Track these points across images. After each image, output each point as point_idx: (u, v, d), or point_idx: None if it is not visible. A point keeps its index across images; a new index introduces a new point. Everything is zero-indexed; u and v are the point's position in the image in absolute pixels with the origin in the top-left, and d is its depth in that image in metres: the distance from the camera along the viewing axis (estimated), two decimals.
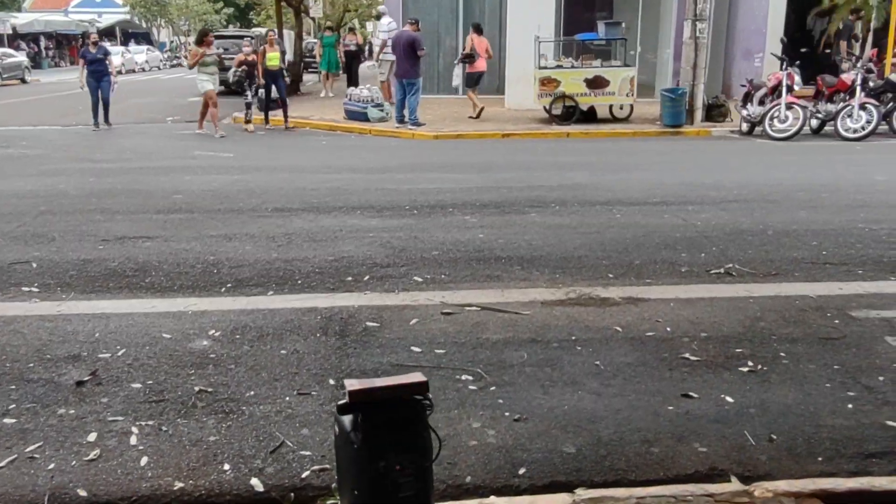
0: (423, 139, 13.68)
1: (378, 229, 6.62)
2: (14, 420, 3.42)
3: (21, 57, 36.67)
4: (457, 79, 16.32)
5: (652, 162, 10.74)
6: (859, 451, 3.23)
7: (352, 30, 25.63)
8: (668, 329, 4.45)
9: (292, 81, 22.65)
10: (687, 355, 4.10)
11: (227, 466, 3.07)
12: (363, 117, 15.33)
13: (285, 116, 15.13)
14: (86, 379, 3.80)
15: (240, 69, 14.90)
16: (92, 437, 3.27)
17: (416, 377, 2.41)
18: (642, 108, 15.75)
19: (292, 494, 2.92)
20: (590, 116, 14.78)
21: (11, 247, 6.17)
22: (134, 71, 41.98)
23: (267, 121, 15.36)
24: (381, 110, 15.47)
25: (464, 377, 3.83)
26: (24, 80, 33.20)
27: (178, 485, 2.96)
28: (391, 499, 2.35)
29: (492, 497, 2.82)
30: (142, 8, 57.03)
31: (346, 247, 6.07)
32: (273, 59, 15.05)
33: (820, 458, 3.17)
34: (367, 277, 5.34)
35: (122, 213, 7.33)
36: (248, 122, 14.92)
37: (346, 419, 2.37)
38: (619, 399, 3.63)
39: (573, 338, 4.32)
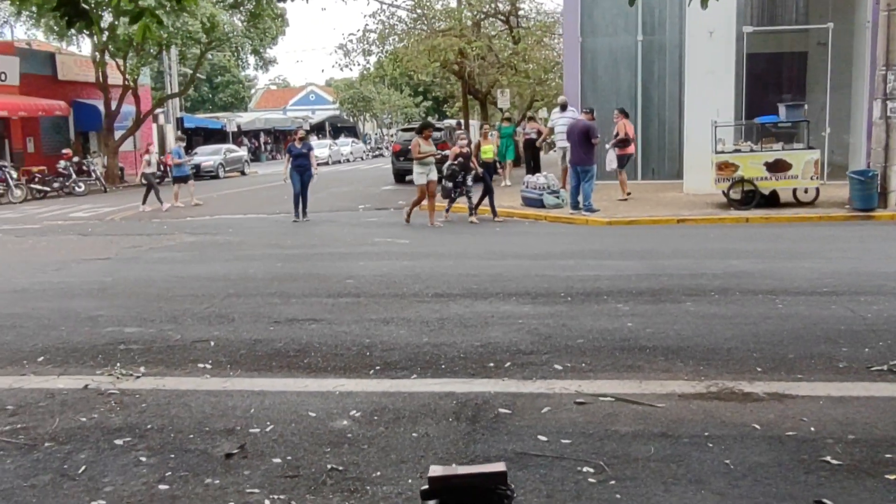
0: (597, 225, 13.72)
1: (528, 316, 6.74)
2: (167, 486, 3.79)
3: (242, 152, 40.62)
4: (611, 163, 16.54)
5: (831, 249, 10.16)
6: None
7: (531, 118, 26.24)
8: (812, 429, 4.21)
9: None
10: (828, 458, 3.86)
11: None
12: (539, 204, 15.64)
13: (492, 207, 14.92)
14: (234, 452, 4.15)
15: (455, 161, 14.79)
16: None
17: (497, 467, 2.50)
18: (833, 191, 14.96)
19: None
20: (772, 201, 14.22)
21: (197, 326, 6.85)
22: (339, 162, 45.11)
23: (472, 212, 15.02)
24: (557, 197, 15.70)
25: (585, 469, 3.83)
26: (243, 173, 36.65)
27: None
28: None
29: None
30: (349, 104, 61.66)
31: (494, 333, 6.23)
32: (487, 151, 15.65)
33: None
34: (508, 364, 5.46)
35: (296, 297, 7.94)
36: (447, 211, 15.13)
37: None
38: (744, 500, 3.48)
39: (706, 434, 4.19)
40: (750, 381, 4.98)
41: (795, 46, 20.10)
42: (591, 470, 3.81)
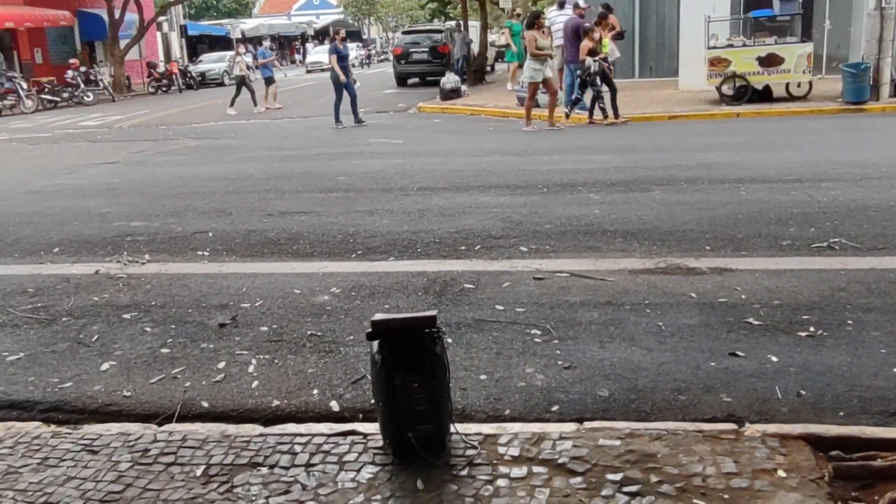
0: (587, 123, 13.97)
1: (504, 206, 7.20)
2: (168, 350, 4.35)
3: (247, 58, 40.34)
4: (613, 53, 16.61)
5: (810, 141, 10.49)
6: (885, 409, 3.39)
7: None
8: (743, 296, 4.69)
9: (475, 71, 23.54)
10: (751, 320, 4.35)
11: (315, 391, 3.80)
12: (533, 104, 15.82)
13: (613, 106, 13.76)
14: (227, 322, 4.70)
15: (595, 59, 13.42)
16: (221, 365, 4.12)
17: (428, 313, 3.00)
18: (829, 85, 15.10)
19: (360, 415, 3.60)
20: (765, 96, 14.39)
21: (198, 220, 7.37)
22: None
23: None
24: None
25: (533, 331, 4.34)
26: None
27: (276, 402, 3.72)
28: (407, 410, 2.95)
29: (509, 423, 3.34)
30: (353, 8, 60.55)
31: (469, 221, 6.71)
32: (606, 45, 14.38)
33: (841, 413, 3.38)
34: (478, 247, 5.95)
35: (290, 193, 8.44)
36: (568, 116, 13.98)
37: (374, 344, 3.01)
38: (668, 354, 3.99)
39: (646, 302, 4.68)
40: (697, 257, 5.45)
41: None
42: (539, 332, 4.33)
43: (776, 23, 15.23)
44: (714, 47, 14.31)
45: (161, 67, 33.17)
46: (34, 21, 27.84)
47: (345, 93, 15.15)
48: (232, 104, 19.65)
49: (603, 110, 13.56)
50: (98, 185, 9.76)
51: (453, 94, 18.83)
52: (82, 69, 27.37)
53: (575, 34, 14.37)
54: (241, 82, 19.57)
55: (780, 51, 13.85)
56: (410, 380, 2.93)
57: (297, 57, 57.28)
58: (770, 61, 13.84)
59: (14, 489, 2.93)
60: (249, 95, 19.71)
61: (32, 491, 2.91)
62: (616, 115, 13.61)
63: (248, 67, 20.10)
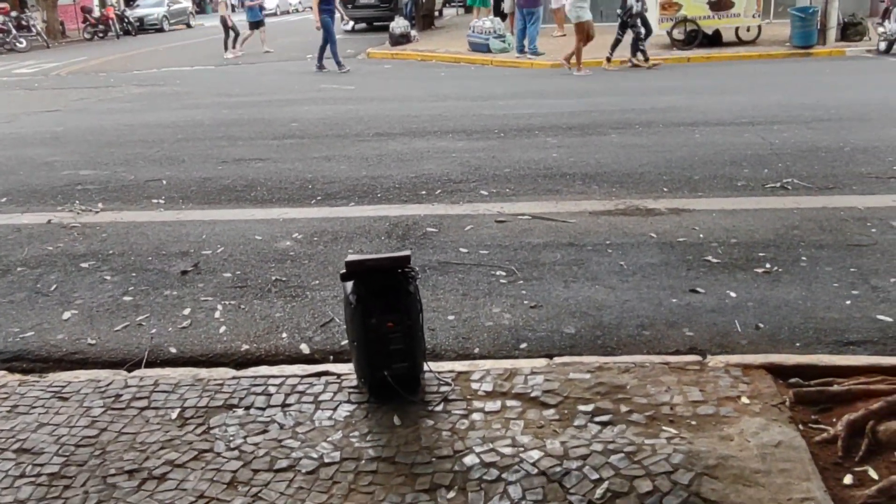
0: (541, 68, 13.98)
1: (462, 150, 7.20)
2: (130, 298, 4.29)
3: (186, 3, 39.12)
4: (557, 2, 16.59)
5: (761, 84, 10.65)
6: (839, 339, 3.54)
7: None
8: (701, 236, 4.80)
9: (424, 16, 23.21)
10: (710, 258, 4.46)
11: (284, 335, 3.80)
12: (485, 49, 15.76)
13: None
14: (189, 269, 4.64)
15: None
16: (186, 311, 4.09)
17: (402, 253, 3.01)
18: (778, 29, 15.28)
19: (331, 357, 3.61)
20: (714, 40, 14.54)
21: (149, 168, 7.21)
22: (288, 12, 43.58)
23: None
24: (503, 41, 15.81)
25: (498, 273, 4.39)
26: (188, 25, 35.48)
27: (245, 347, 3.71)
28: (383, 349, 2.97)
29: (481, 360, 3.40)
30: None
31: (428, 165, 6.70)
32: None
33: (798, 344, 3.52)
34: (438, 191, 5.95)
35: (243, 140, 8.29)
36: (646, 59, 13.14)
37: (348, 285, 3.01)
38: (631, 292, 4.08)
39: (608, 242, 4.76)
40: (655, 199, 5.55)
41: None
42: (504, 273, 4.38)
43: None
44: None
45: (96, 12, 31.91)
46: None
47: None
48: (225, 48, 18.97)
49: (643, 52, 13.19)
50: (41, 133, 9.44)
51: (403, 39, 18.58)
52: (13, 14, 26.23)
53: None
54: (224, 23, 18.85)
55: None
56: (385, 319, 2.95)
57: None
58: (720, 5, 13.95)
59: None
60: (223, 38, 19.04)
61: (5, 438, 2.88)
62: (646, 59, 13.27)
63: (230, 7, 19.24)
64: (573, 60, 12.94)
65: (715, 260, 4.43)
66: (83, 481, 2.61)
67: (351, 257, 3.00)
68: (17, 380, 3.36)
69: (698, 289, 4.07)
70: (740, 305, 3.87)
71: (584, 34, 12.54)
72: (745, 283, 4.11)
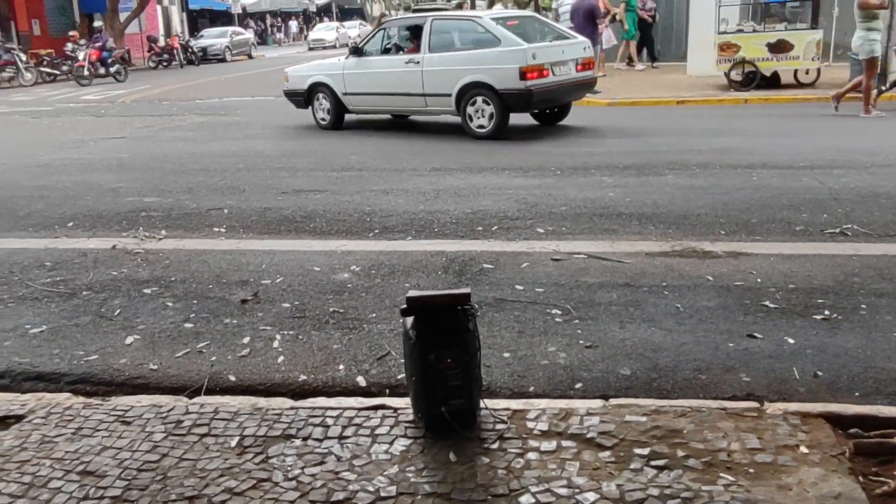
0: (597, 106, 13.98)
1: (518, 187, 7.24)
2: (191, 325, 4.40)
3: (248, 34, 40.28)
4: (609, 41, 16.74)
5: (818, 127, 10.52)
6: None
7: None
8: (759, 280, 4.75)
9: None
10: (767, 303, 4.41)
11: (341, 367, 3.85)
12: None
13: None
14: (249, 298, 4.75)
15: None
16: (246, 340, 4.18)
17: (462, 290, 3.05)
18: (837, 72, 15.06)
19: (387, 390, 3.65)
20: (773, 82, 14.40)
21: (211, 196, 7.40)
22: (346, 45, 44.31)
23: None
24: None
25: (554, 311, 4.40)
26: (250, 56, 36.46)
27: (302, 377, 3.77)
28: (441, 385, 3.00)
29: (536, 399, 3.40)
30: None
31: (484, 202, 6.75)
32: None
33: (857, 394, 3.45)
34: (495, 228, 5.99)
35: (303, 171, 8.47)
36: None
37: (407, 320, 3.06)
38: (687, 335, 4.05)
39: (664, 284, 4.74)
40: (712, 241, 5.51)
41: None
42: (559, 312, 4.39)
43: (786, 9, 15.20)
44: (724, 32, 14.28)
45: (161, 42, 33.00)
46: None
47: None
48: None
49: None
50: (107, 159, 9.77)
51: None
52: (81, 42, 27.22)
53: (589, 17, 14.35)
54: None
55: (789, 37, 13.83)
56: (444, 356, 2.98)
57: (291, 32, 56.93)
58: (779, 48, 13.82)
59: (51, 458, 2.99)
60: None
61: (70, 459, 2.97)
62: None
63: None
64: (850, 97, 11.54)
65: (773, 305, 4.38)
66: None
67: (411, 293, 3.04)
68: (81, 402, 3.46)
69: (756, 334, 4.03)
70: (798, 352, 3.82)
71: (873, 70, 11.12)
72: (804, 330, 4.06)
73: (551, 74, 10.08)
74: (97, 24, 32.62)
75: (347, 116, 11.93)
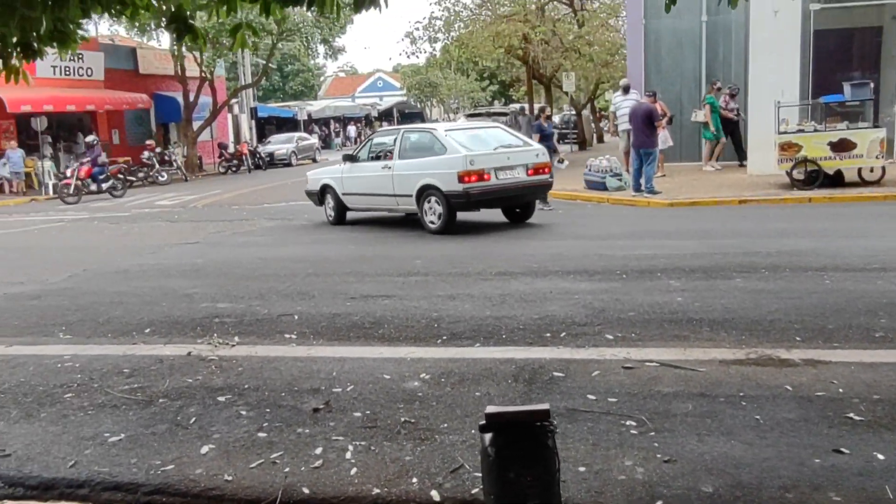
0: (658, 207, 14.02)
1: (584, 292, 7.23)
2: (265, 434, 4.43)
3: (313, 139, 41.81)
4: (665, 142, 16.97)
5: (889, 227, 10.31)
6: None
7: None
8: (841, 390, 4.61)
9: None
10: (852, 415, 4.26)
11: (414, 480, 3.82)
12: (602, 187, 15.99)
13: None
14: (321, 407, 4.77)
15: None
16: (318, 450, 4.18)
17: (542, 406, 3.03)
18: None
19: None
20: (837, 180, 14.26)
21: (282, 302, 7.55)
22: None
23: None
24: (620, 180, 16.03)
25: (628, 422, 4.32)
26: (314, 160, 37.70)
27: (376, 491, 3.75)
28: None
29: None
30: (416, 90, 62.27)
31: (551, 307, 6.74)
32: None
33: None
34: (563, 334, 5.97)
35: (370, 276, 8.61)
36: None
37: (486, 436, 3.04)
38: (769, 450, 3.93)
39: (741, 394, 4.63)
40: (788, 348, 5.38)
41: (868, 21, 19.74)
42: (634, 423, 4.30)
43: (847, 108, 15.18)
44: (784, 132, 14.29)
45: (231, 148, 34.36)
46: (114, 104, 29.22)
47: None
48: None
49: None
50: (182, 265, 10.09)
51: None
52: (158, 150, 28.54)
53: (647, 120, 14.56)
54: None
55: (852, 136, 13.76)
56: (524, 473, 2.94)
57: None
58: (842, 146, 13.75)
59: None
60: None
61: None
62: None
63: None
64: None
65: (857, 417, 4.23)
66: None
67: (490, 409, 3.04)
68: None
69: (842, 449, 3.88)
70: (890, 469, 3.66)
71: None
72: (894, 445, 3.89)
73: (493, 178, 11.54)
74: (172, 133, 34.29)
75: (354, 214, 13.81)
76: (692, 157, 19.34)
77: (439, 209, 11.68)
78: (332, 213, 13.82)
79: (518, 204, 12.60)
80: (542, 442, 2.98)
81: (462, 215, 12.02)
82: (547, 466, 2.98)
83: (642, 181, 14.98)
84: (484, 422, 3.01)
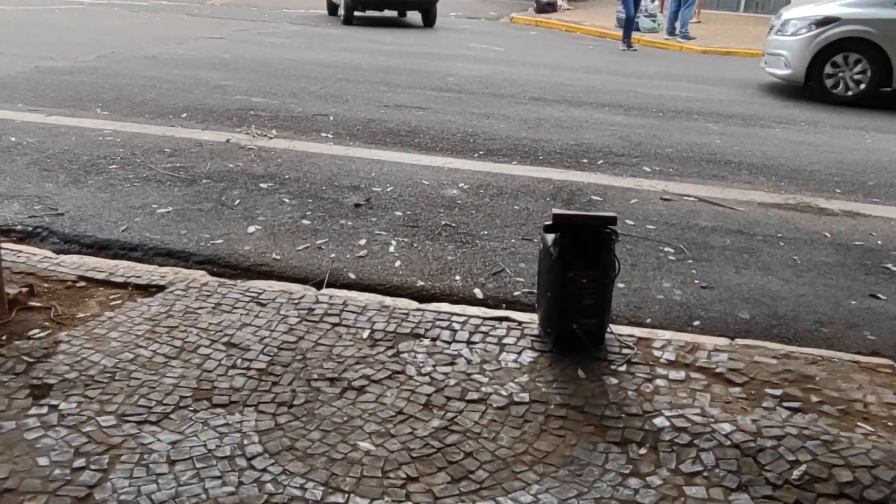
0: (691, 52, 13.65)
1: (621, 125, 7.15)
2: (308, 222, 4.49)
3: None
4: None
5: None
6: None
7: None
8: (879, 242, 4.65)
9: None
10: (889, 265, 4.33)
11: (457, 277, 3.91)
12: (634, 26, 15.45)
13: None
14: (361, 203, 4.81)
15: None
16: (362, 241, 4.25)
17: (609, 214, 3.05)
18: None
19: (503, 305, 3.70)
20: None
21: (316, 103, 7.45)
22: None
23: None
24: (653, 20, 15.48)
25: (666, 249, 4.38)
26: None
27: (420, 283, 3.84)
28: (575, 303, 3.03)
29: (659, 330, 3.42)
30: None
31: (587, 135, 6.69)
32: None
33: None
34: (600, 162, 5.95)
35: (402, 87, 8.46)
36: None
37: (550, 236, 3.07)
38: (806, 287, 4.01)
39: (779, 235, 4.67)
40: (827, 198, 5.40)
41: None
42: (672, 250, 4.37)
43: None
44: None
45: None
46: None
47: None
48: None
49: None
50: (210, 58, 9.86)
51: (549, 7, 18.41)
52: None
53: None
54: None
55: None
56: (582, 274, 3.00)
57: None
58: None
59: (196, 327, 3.11)
60: None
61: (214, 331, 3.08)
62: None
63: None
64: None
65: (895, 268, 4.30)
66: (289, 381, 2.78)
67: (556, 211, 3.05)
68: (216, 281, 3.57)
69: (879, 294, 3.96)
70: None
71: None
72: None
73: None
74: None
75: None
76: (729, 7, 18.60)
77: None
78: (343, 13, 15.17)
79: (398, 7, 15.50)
80: (606, 247, 3.02)
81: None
82: (606, 271, 3.04)
83: (677, 24, 14.49)
84: (550, 222, 3.03)
